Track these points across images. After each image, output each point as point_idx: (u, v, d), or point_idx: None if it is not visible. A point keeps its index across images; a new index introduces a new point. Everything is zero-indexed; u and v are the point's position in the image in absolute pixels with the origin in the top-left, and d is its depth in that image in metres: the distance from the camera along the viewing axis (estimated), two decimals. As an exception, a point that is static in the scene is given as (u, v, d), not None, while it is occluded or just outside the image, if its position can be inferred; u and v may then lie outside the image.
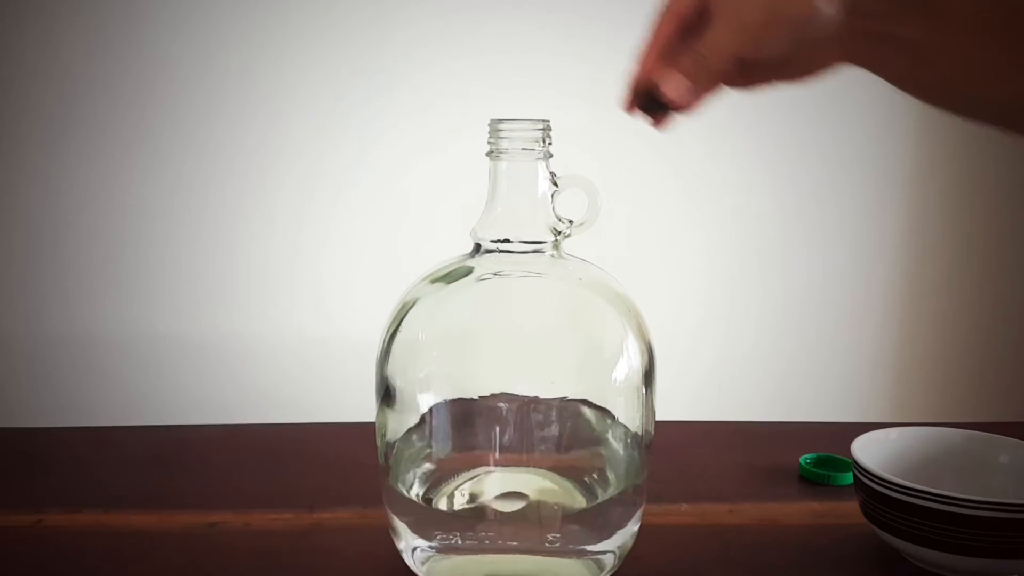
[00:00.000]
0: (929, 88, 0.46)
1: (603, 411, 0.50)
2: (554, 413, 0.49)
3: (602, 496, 0.50)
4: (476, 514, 0.49)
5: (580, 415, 0.50)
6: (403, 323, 0.49)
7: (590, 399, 0.49)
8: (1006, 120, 0.46)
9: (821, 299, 1.00)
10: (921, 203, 1.00)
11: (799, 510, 0.62)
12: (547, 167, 0.49)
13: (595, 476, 0.50)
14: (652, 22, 0.46)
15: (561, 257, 0.50)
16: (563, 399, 0.49)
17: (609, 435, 0.50)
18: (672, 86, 0.44)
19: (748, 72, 0.46)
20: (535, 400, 0.49)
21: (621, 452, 0.50)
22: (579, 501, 0.49)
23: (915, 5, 0.42)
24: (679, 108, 0.45)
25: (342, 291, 0.94)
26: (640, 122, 0.98)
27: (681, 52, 0.44)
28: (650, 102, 0.45)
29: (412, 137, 0.91)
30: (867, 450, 0.56)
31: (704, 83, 0.44)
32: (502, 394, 0.49)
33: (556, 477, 0.50)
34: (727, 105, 1.02)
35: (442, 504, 0.49)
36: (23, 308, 0.91)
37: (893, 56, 0.44)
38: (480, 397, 0.49)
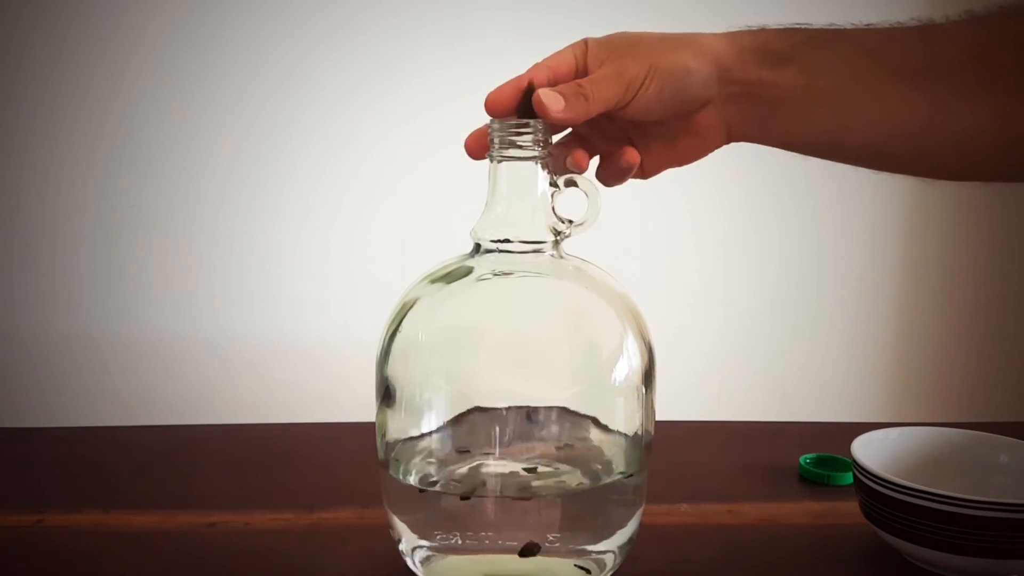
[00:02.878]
0: (805, 143, 0.51)
1: (602, 411, 0.50)
2: (554, 412, 0.49)
3: (602, 492, 0.50)
4: (474, 495, 0.48)
5: (580, 414, 0.50)
6: (403, 323, 0.49)
7: (590, 399, 0.49)
8: (878, 162, 0.49)
9: (821, 299, 1.00)
10: (921, 203, 1.00)
11: (799, 510, 0.62)
12: (547, 167, 0.49)
13: (595, 473, 0.50)
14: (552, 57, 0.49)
15: (561, 257, 0.50)
16: (563, 399, 0.49)
17: (608, 434, 0.50)
18: (549, 95, 0.46)
19: (642, 144, 0.51)
20: (535, 399, 0.49)
21: (620, 450, 0.50)
22: (579, 496, 0.49)
23: (786, 62, 0.46)
24: (544, 116, 0.47)
25: (342, 291, 0.94)
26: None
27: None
28: (526, 105, 0.48)
29: (413, 137, 0.91)
30: (867, 450, 0.56)
31: (576, 107, 0.47)
32: (502, 394, 0.49)
33: (556, 473, 0.50)
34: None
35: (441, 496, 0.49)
36: (23, 308, 0.91)
37: (767, 117, 0.48)
38: (480, 397, 0.49)
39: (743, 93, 0.47)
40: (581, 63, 0.48)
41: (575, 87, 0.47)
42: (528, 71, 0.49)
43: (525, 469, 0.50)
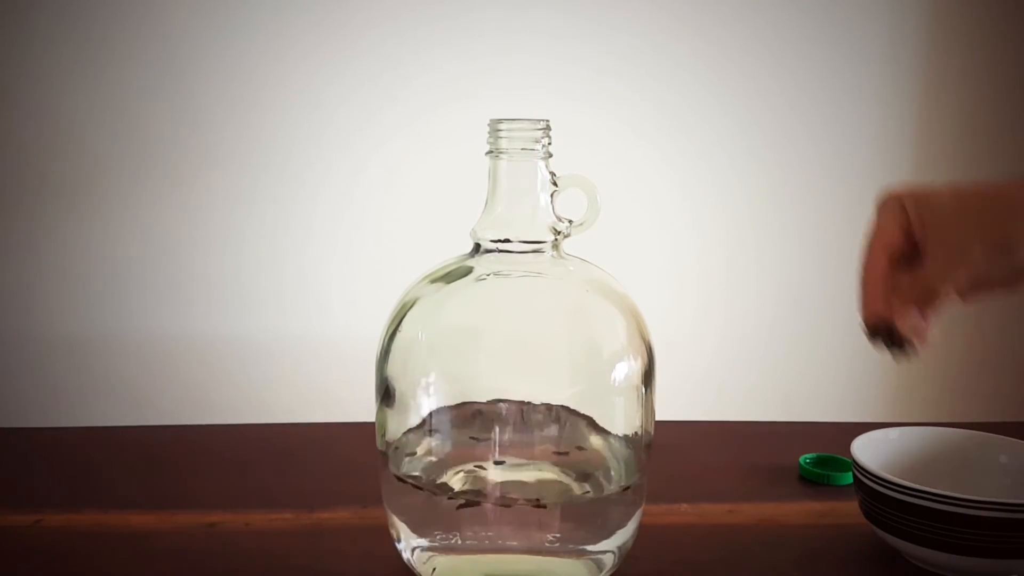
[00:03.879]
0: None
1: (601, 410, 0.50)
2: (554, 412, 0.49)
3: (602, 492, 0.50)
4: (476, 495, 0.48)
5: (580, 414, 0.50)
6: (403, 323, 0.49)
7: (590, 399, 0.49)
8: None
9: (821, 299, 1.00)
10: (921, 203, 1.00)
11: (799, 510, 0.62)
12: (547, 167, 0.49)
13: (595, 473, 0.50)
14: (864, 254, 0.49)
15: (561, 257, 0.50)
16: (563, 398, 0.49)
17: (608, 434, 0.50)
18: (909, 326, 0.46)
19: (979, 288, 0.47)
20: (534, 399, 0.49)
21: (620, 450, 0.50)
22: (579, 496, 0.49)
23: None
24: (917, 342, 0.46)
25: (342, 291, 0.94)
26: (639, 123, 0.99)
27: (904, 283, 0.46)
28: (890, 338, 0.47)
29: (413, 137, 0.91)
30: (867, 450, 0.56)
31: (936, 313, 0.46)
32: (502, 393, 0.49)
33: (556, 473, 0.50)
34: (726, 107, 1.02)
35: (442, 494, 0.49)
36: (23, 308, 0.91)
37: None
38: (480, 396, 0.49)
39: None
40: (907, 229, 0.46)
41: (921, 294, 0.45)
42: (865, 268, 0.48)
43: (525, 469, 0.50)
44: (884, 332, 0.47)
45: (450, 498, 0.48)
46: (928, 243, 0.45)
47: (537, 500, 0.49)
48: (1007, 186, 0.44)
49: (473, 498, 0.48)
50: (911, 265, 0.46)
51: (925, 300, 0.46)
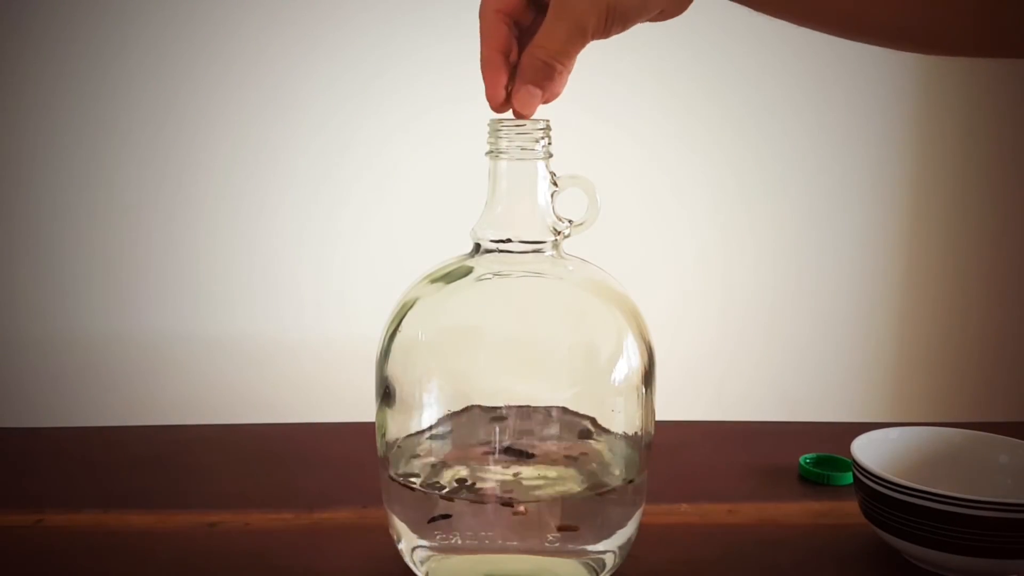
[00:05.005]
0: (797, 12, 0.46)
1: (601, 410, 0.50)
2: (554, 412, 0.49)
3: (602, 492, 0.50)
4: (476, 496, 0.49)
5: (580, 414, 0.50)
6: (403, 323, 0.49)
7: (590, 399, 0.49)
8: (883, 39, 0.45)
9: (821, 299, 1.00)
10: (922, 203, 1.00)
11: (799, 510, 0.62)
12: (547, 167, 0.49)
13: (595, 473, 0.50)
14: (481, 19, 0.46)
15: (561, 257, 0.50)
16: (563, 399, 0.49)
17: (608, 434, 0.50)
18: (525, 104, 0.45)
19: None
20: (535, 399, 0.49)
21: (621, 450, 0.50)
22: (579, 496, 0.49)
23: None
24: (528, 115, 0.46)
25: (342, 291, 0.94)
26: (639, 123, 0.98)
27: (520, 53, 0.45)
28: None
29: (413, 137, 0.91)
30: (867, 450, 0.56)
31: (554, 88, 0.45)
32: (502, 393, 0.49)
33: (556, 473, 0.50)
34: (727, 107, 1.02)
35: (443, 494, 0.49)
36: (23, 308, 0.91)
37: None
38: (480, 397, 0.49)
39: None
40: None
41: (540, 66, 0.44)
42: (481, 39, 0.46)
43: (524, 469, 0.50)
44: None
45: (450, 497, 0.48)
46: (549, 14, 0.44)
47: (537, 500, 0.49)
48: None
49: (473, 498, 0.48)
50: (527, 17, 0.45)
51: (541, 73, 0.45)
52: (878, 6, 0.43)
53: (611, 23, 0.43)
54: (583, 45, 0.44)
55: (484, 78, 0.46)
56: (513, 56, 0.46)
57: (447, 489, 0.48)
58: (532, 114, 0.46)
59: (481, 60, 0.46)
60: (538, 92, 0.45)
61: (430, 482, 0.49)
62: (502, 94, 0.46)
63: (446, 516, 0.47)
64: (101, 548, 0.55)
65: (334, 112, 0.90)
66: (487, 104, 0.47)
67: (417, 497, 0.48)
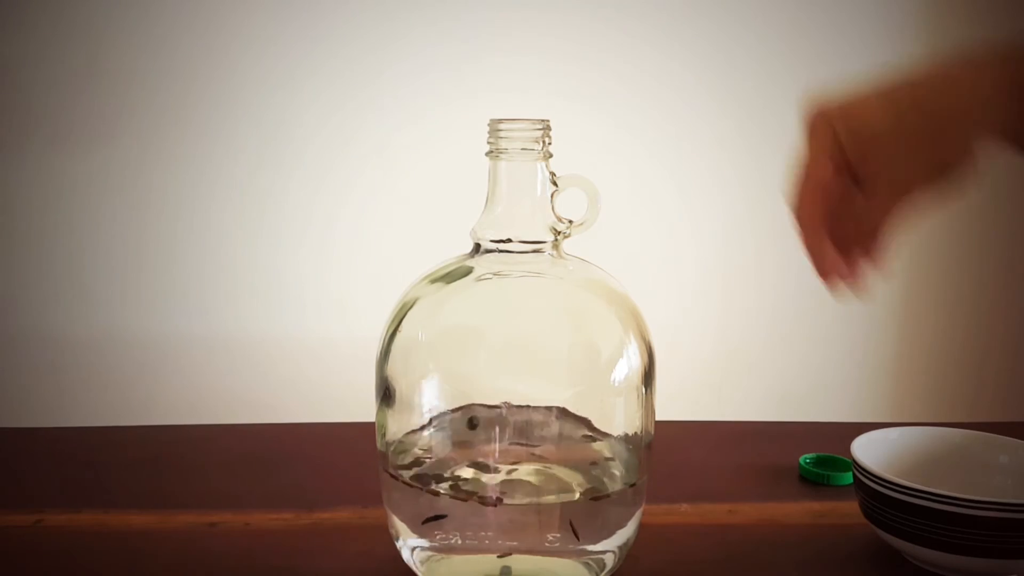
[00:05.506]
0: None
1: (601, 411, 0.50)
2: (554, 412, 0.49)
3: (602, 492, 0.50)
4: (476, 491, 0.49)
5: (580, 414, 0.50)
6: (403, 323, 0.49)
7: (590, 399, 0.49)
8: None
9: (821, 299, 1.00)
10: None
11: (799, 510, 0.62)
12: (547, 167, 0.49)
13: (595, 473, 0.50)
14: (797, 197, 0.44)
15: (561, 257, 0.50)
16: (563, 399, 0.49)
17: (608, 434, 0.50)
18: (861, 283, 0.44)
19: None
20: (535, 399, 0.49)
21: (620, 450, 0.50)
22: (578, 496, 0.49)
23: None
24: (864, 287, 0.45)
25: (342, 291, 0.94)
26: (640, 123, 0.98)
27: (845, 226, 0.43)
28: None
29: (413, 137, 0.91)
30: (867, 450, 0.56)
31: (883, 252, 0.44)
32: (502, 393, 0.49)
33: (556, 473, 0.50)
34: (726, 107, 1.02)
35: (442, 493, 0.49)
36: (23, 308, 0.91)
37: None
38: (480, 397, 0.49)
39: None
40: (839, 160, 0.42)
41: (866, 241, 0.43)
42: (801, 217, 0.44)
43: (524, 469, 0.50)
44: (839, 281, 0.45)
45: (448, 496, 0.48)
46: (868, 178, 0.41)
47: (537, 500, 0.49)
48: (939, 84, 0.40)
49: (472, 498, 0.48)
50: (843, 194, 0.43)
51: (870, 240, 0.43)
52: None
53: (936, 183, 0.41)
54: (908, 204, 0.42)
55: (816, 264, 0.45)
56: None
57: (446, 489, 0.48)
58: (865, 283, 0.45)
59: (807, 249, 0.45)
60: (873, 264, 0.44)
61: (430, 482, 0.49)
62: (832, 271, 0.45)
63: (441, 516, 0.47)
64: (101, 548, 0.55)
65: (334, 112, 0.90)
66: (816, 273, 0.46)
67: (417, 497, 0.49)
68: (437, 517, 0.47)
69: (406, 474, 0.49)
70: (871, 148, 0.41)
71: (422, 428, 0.49)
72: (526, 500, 0.49)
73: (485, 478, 0.49)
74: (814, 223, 0.44)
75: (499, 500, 0.48)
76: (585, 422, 0.50)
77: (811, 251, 0.45)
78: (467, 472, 0.50)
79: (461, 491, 0.48)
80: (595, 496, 0.49)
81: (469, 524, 0.47)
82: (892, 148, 0.40)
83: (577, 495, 0.49)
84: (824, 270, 0.45)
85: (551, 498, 0.49)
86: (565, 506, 0.49)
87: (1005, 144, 0.40)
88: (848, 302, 0.45)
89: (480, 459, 0.50)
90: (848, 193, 0.43)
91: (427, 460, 0.50)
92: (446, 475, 0.49)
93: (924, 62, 0.40)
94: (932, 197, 0.41)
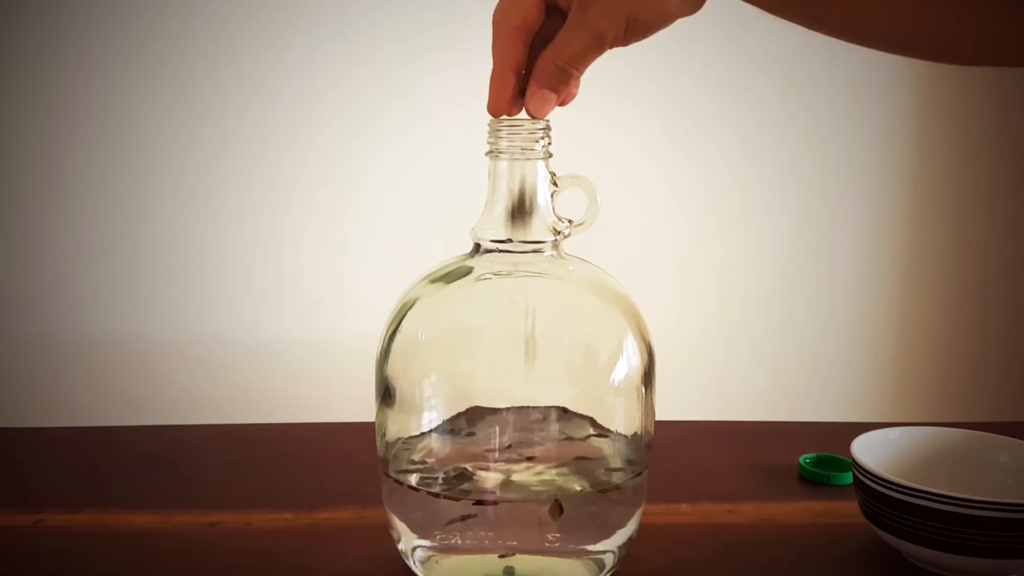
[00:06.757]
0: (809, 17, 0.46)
1: (601, 410, 0.50)
2: (554, 413, 0.49)
3: (602, 491, 0.50)
4: (476, 493, 0.49)
5: (580, 414, 0.50)
6: (403, 323, 0.49)
7: (590, 399, 0.49)
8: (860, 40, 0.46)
9: (821, 299, 1.00)
10: (921, 203, 1.00)
11: (799, 510, 0.62)
12: (547, 167, 0.49)
13: (595, 473, 0.50)
14: (496, 31, 0.47)
15: (561, 257, 0.50)
16: (563, 399, 0.49)
17: (608, 434, 0.50)
18: (539, 107, 0.46)
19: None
20: (535, 400, 0.49)
21: (620, 450, 0.50)
22: (579, 496, 0.49)
23: None
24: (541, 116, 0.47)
25: (342, 291, 0.94)
26: (640, 123, 0.98)
27: (537, 64, 0.45)
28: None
29: (413, 138, 0.91)
30: (867, 450, 0.56)
31: (568, 93, 0.46)
32: (502, 394, 0.49)
33: (556, 473, 0.50)
34: (726, 107, 1.02)
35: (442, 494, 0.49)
36: (23, 308, 0.91)
37: None
38: (480, 397, 0.49)
39: None
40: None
41: (556, 71, 0.45)
42: (495, 53, 0.46)
43: (524, 469, 0.50)
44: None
45: (448, 497, 0.48)
46: (569, 22, 0.44)
47: (537, 500, 0.49)
48: None
49: (473, 498, 0.48)
50: (545, 25, 0.45)
51: (556, 79, 0.45)
52: (884, 14, 0.44)
53: (631, 33, 0.44)
54: (600, 53, 0.45)
55: (491, 89, 0.47)
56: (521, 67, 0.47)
57: (447, 489, 0.48)
58: (545, 116, 0.47)
59: (492, 74, 0.47)
60: (553, 96, 0.46)
61: (430, 482, 0.49)
62: (504, 105, 0.47)
63: (470, 516, 0.47)
64: (101, 548, 0.55)
65: (336, 113, 0.90)
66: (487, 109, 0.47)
67: (417, 497, 0.48)
68: (465, 517, 0.47)
69: (406, 474, 0.49)
70: None
71: (422, 428, 0.49)
72: (526, 500, 0.49)
73: (485, 478, 0.49)
74: (510, 61, 0.46)
75: (499, 500, 0.48)
76: (585, 422, 0.50)
77: (495, 83, 0.47)
78: (467, 472, 0.50)
79: (461, 491, 0.48)
80: (595, 496, 0.49)
81: (469, 524, 0.47)
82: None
83: (577, 495, 0.49)
84: (496, 102, 0.47)
85: (551, 499, 0.49)
86: (565, 506, 0.49)
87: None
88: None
89: (480, 459, 0.50)
90: (551, 26, 0.45)
91: (427, 460, 0.50)
92: (446, 475, 0.49)
93: None
94: (624, 43, 0.44)
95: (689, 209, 0.96)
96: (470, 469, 0.50)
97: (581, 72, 0.46)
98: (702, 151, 0.95)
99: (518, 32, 0.46)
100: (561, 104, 0.47)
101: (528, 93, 0.46)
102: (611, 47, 0.44)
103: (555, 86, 0.46)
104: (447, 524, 0.47)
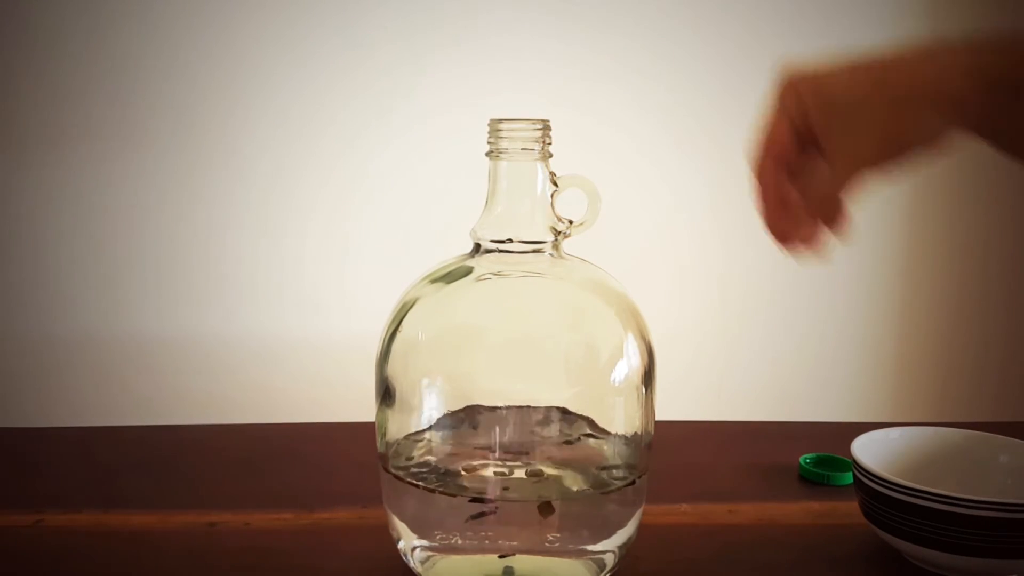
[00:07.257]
0: None
1: (601, 410, 0.50)
2: (554, 412, 0.49)
3: (602, 491, 0.50)
4: (477, 491, 0.48)
5: (580, 414, 0.50)
6: (403, 323, 0.49)
7: (589, 399, 0.49)
8: None
9: (821, 299, 1.00)
10: (921, 203, 1.00)
11: (799, 510, 0.62)
12: (547, 167, 0.49)
13: (595, 473, 0.50)
14: (756, 159, 0.46)
15: (561, 257, 0.50)
16: (562, 399, 0.49)
17: (608, 434, 0.50)
18: (817, 245, 0.46)
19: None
20: (535, 400, 0.49)
21: (620, 450, 0.50)
22: (579, 496, 0.49)
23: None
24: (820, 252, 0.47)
25: (342, 291, 0.94)
26: (639, 123, 0.98)
27: (803, 192, 0.45)
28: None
29: (413, 138, 0.91)
30: (867, 450, 0.56)
31: (839, 216, 0.45)
32: (502, 394, 0.49)
33: (556, 473, 0.50)
34: (726, 107, 1.02)
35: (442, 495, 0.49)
36: (23, 308, 0.91)
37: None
38: (480, 397, 0.49)
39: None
40: (799, 125, 0.43)
41: (821, 205, 0.44)
42: (759, 179, 0.46)
43: (525, 469, 0.50)
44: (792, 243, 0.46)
45: (449, 494, 0.48)
46: (831, 148, 0.43)
47: (537, 500, 0.49)
48: (907, 66, 0.40)
49: (473, 498, 0.48)
50: (806, 162, 0.45)
51: (830, 205, 0.45)
52: None
53: (895, 160, 0.42)
54: (863, 178, 0.44)
55: (770, 227, 0.47)
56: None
57: (447, 489, 0.48)
58: (822, 248, 0.46)
59: (763, 211, 0.47)
60: (830, 231, 0.46)
61: (430, 482, 0.49)
62: (788, 234, 0.46)
63: (487, 513, 0.47)
64: (101, 548, 0.55)
65: (336, 113, 0.90)
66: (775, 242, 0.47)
67: (417, 497, 0.49)
68: (483, 514, 0.47)
69: (406, 474, 0.49)
70: (835, 119, 0.42)
71: (422, 428, 0.49)
72: (526, 500, 0.49)
73: (485, 478, 0.49)
74: (772, 186, 0.46)
75: (498, 500, 0.48)
76: (585, 422, 0.50)
77: (767, 212, 0.47)
78: (467, 472, 0.50)
79: (461, 491, 0.48)
80: (595, 496, 0.49)
81: (469, 524, 0.47)
82: (855, 122, 0.42)
83: (577, 495, 0.49)
84: (779, 232, 0.47)
85: (551, 498, 0.49)
86: (565, 506, 0.49)
87: (970, 133, 0.40)
88: (810, 265, 0.46)
89: (480, 459, 0.50)
90: (811, 161, 0.44)
91: (427, 460, 0.50)
92: (447, 475, 0.49)
93: (898, 44, 0.41)
94: (892, 170, 0.43)
95: (689, 209, 0.96)
96: (470, 469, 0.50)
97: (844, 197, 0.45)
98: (702, 151, 0.95)
99: (778, 162, 0.46)
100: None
101: (808, 233, 0.46)
102: (872, 174, 0.43)
103: (823, 216, 0.46)
104: (466, 521, 0.47)
